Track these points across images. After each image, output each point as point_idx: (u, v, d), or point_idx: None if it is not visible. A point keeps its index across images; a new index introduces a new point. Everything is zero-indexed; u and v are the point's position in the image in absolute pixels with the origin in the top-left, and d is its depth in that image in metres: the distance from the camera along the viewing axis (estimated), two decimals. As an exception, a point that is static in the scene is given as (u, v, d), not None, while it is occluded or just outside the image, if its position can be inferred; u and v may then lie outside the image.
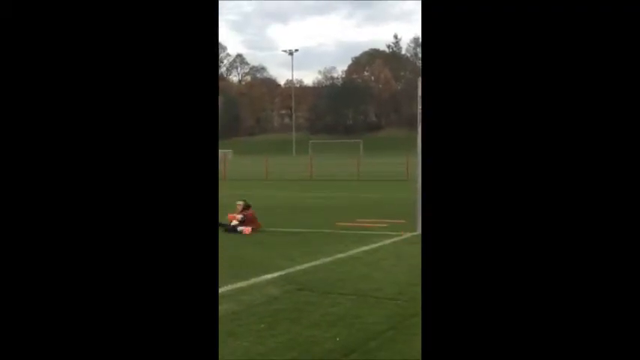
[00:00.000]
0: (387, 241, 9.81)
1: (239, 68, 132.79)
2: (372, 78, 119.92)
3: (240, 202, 11.73)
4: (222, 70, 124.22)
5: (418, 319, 5.34)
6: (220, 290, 6.14)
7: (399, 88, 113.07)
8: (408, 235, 10.40)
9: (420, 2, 2.20)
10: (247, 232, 10.86)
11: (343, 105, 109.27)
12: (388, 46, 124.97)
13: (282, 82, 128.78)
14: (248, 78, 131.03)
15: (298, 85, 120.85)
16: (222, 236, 9.78)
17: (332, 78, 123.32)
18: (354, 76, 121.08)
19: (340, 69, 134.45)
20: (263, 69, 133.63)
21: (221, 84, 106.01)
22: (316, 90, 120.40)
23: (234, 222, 11.16)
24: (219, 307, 5.29)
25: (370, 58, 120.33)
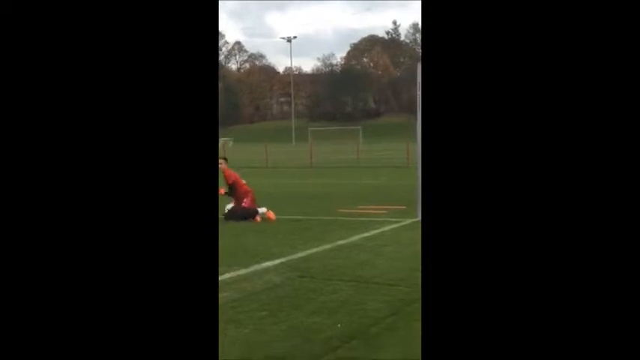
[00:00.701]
0: (388, 228, 9.82)
1: (237, 56, 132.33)
2: (371, 64, 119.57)
3: (221, 161, 10.95)
4: (221, 57, 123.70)
5: (419, 305, 5.34)
6: (221, 278, 6.15)
7: (398, 74, 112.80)
8: (409, 221, 10.41)
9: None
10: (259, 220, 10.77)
11: (342, 92, 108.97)
12: (387, 33, 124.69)
13: (280, 69, 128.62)
14: (247, 65, 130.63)
15: (297, 72, 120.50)
16: (223, 223, 9.78)
17: (331, 65, 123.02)
18: (353, 62, 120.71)
19: (339, 56, 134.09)
20: (262, 56, 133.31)
21: (220, 72, 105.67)
22: (315, 77, 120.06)
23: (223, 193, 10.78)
24: (221, 295, 5.31)
25: (369, 45, 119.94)
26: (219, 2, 2.18)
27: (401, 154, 28.95)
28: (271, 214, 10.92)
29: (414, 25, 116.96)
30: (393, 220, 10.59)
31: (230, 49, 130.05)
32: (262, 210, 11.00)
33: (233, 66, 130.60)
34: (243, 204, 11.08)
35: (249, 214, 10.87)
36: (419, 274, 7.01)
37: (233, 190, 11.11)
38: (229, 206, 11.01)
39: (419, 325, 4.63)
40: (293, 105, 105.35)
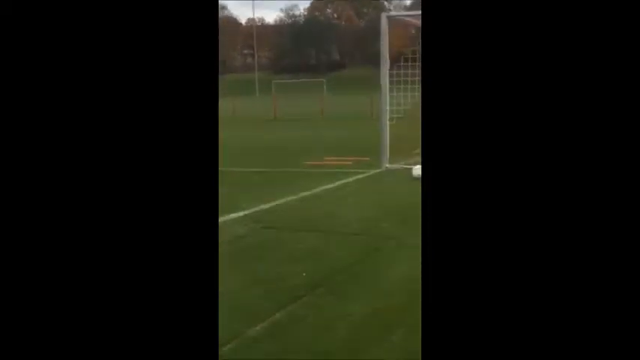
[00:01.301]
0: (353, 179, 9.87)
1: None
2: (335, 15, 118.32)
3: None
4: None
5: (383, 254, 5.43)
6: (186, 230, 6.13)
7: (362, 25, 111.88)
8: (373, 172, 10.48)
9: None
10: None
11: (306, 44, 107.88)
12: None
13: (243, 20, 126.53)
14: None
15: (260, 24, 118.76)
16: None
17: (294, 16, 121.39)
18: (317, 13, 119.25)
19: (302, 7, 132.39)
20: (223, 8, 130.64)
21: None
22: (278, 29, 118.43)
23: None
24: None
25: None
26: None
27: (365, 107, 28.91)
28: None
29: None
30: (358, 170, 10.64)
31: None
32: None
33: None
34: None
35: None
36: (382, 224, 7.13)
37: None
38: None
39: (383, 272, 4.73)
40: (256, 57, 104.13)
